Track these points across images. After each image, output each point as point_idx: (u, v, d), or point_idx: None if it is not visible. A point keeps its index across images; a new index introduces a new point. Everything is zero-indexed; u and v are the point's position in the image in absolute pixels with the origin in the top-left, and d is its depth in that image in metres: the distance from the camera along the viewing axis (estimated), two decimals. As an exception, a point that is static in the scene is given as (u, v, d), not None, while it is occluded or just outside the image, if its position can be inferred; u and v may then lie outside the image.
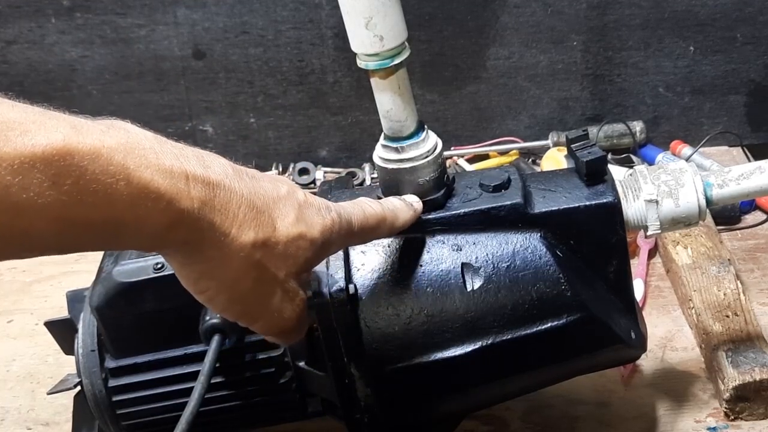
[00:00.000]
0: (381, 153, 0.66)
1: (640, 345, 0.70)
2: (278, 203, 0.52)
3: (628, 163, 1.17)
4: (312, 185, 1.24)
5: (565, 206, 0.67)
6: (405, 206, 0.63)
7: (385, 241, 0.67)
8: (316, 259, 0.55)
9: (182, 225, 0.47)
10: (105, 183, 0.43)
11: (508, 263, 0.66)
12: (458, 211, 0.67)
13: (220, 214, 0.48)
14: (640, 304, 0.93)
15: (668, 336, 0.91)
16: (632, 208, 0.69)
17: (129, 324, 0.69)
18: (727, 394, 0.78)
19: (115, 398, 0.71)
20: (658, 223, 0.69)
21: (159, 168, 0.45)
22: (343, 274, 0.63)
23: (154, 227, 0.46)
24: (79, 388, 0.72)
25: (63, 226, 0.43)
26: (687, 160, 1.19)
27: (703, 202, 0.69)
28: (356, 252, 0.66)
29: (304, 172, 1.25)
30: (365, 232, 0.59)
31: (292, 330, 0.57)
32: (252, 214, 0.50)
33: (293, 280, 0.54)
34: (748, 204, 1.11)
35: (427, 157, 0.66)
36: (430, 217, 0.67)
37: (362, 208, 0.59)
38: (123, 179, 0.43)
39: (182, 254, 0.49)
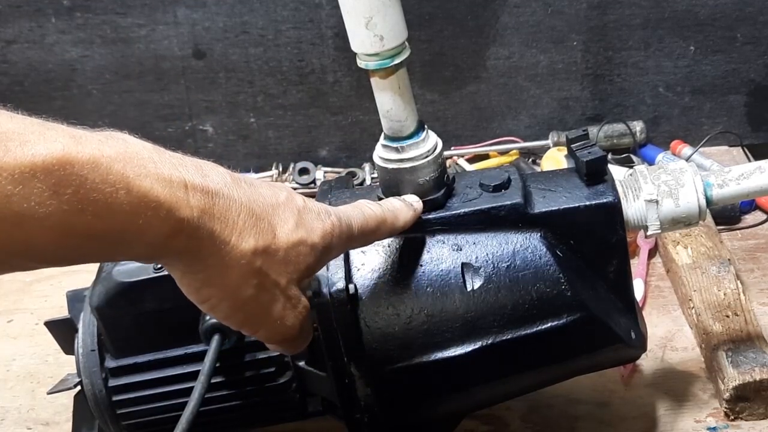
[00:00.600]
0: (381, 153, 0.66)
1: (640, 345, 0.70)
2: (277, 210, 0.52)
3: (628, 163, 1.17)
4: (312, 185, 1.23)
5: (566, 206, 0.67)
6: (405, 207, 0.64)
7: (386, 241, 0.67)
8: (318, 265, 0.55)
9: (182, 234, 0.47)
10: (105, 192, 0.43)
11: (508, 263, 0.66)
12: (458, 211, 0.67)
13: (220, 222, 0.48)
14: (640, 304, 0.93)
15: (668, 336, 0.91)
16: (632, 208, 0.69)
17: (129, 324, 0.69)
18: (727, 394, 0.78)
19: (115, 398, 0.71)
20: (658, 223, 0.69)
21: (158, 177, 0.45)
22: (343, 274, 0.64)
23: (155, 236, 0.46)
24: (79, 387, 0.72)
25: (64, 236, 0.43)
26: (687, 160, 1.19)
27: (703, 202, 0.69)
28: (356, 252, 0.66)
29: (304, 171, 1.25)
30: (365, 235, 0.59)
31: (295, 338, 0.56)
32: (251, 221, 0.50)
33: (295, 286, 0.54)
34: (748, 204, 1.11)
35: (427, 156, 0.66)
36: (430, 216, 0.67)
37: (362, 210, 0.59)
38: (123, 188, 0.44)
39: (183, 263, 0.49)
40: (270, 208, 0.52)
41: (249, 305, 0.52)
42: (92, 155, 0.43)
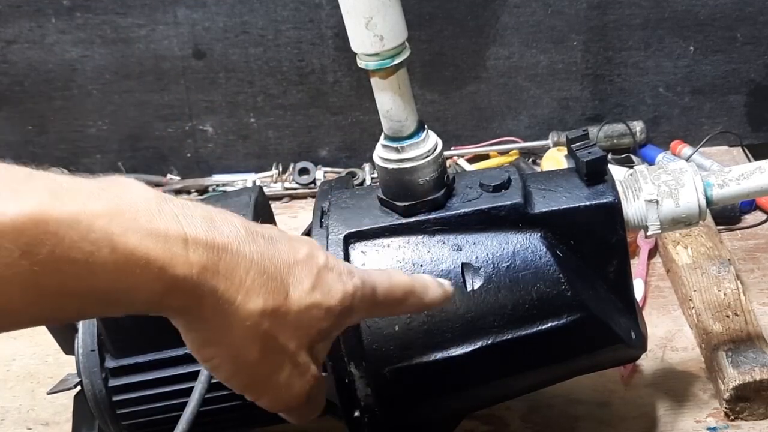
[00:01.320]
0: (381, 153, 0.66)
1: (640, 345, 0.70)
2: (294, 268, 0.49)
3: (628, 163, 1.17)
4: (312, 185, 1.24)
5: (566, 206, 0.67)
6: (435, 283, 0.58)
7: (385, 241, 0.67)
8: (335, 329, 0.52)
9: (178, 291, 0.44)
10: (85, 251, 0.40)
11: (508, 263, 0.66)
12: (458, 211, 0.67)
13: (225, 279, 0.45)
14: (640, 304, 0.93)
15: (668, 336, 0.91)
16: (632, 208, 0.69)
17: (129, 324, 0.69)
18: (727, 394, 0.78)
19: (116, 398, 0.71)
20: (658, 223, 0.69)
21: (150, 232, 0.42)
22: (343, 274, 0.63)
23: (148, 295, 0.43)
24: (79, 387, 0.72)
25: (37, 297, 0.40)
26: (687, 160, 1.19)
27: (703, 202, 0.69)
28: (356, 252, 0.66)
29: (304, 172, 1.25)
30: (390, 303, 0.55)
31: (300, 407, 0.53)
32: (262, 279, 0.47)
33: (305, 352, 0.51)
34: (748, 204, 1.11)
35: (427, 157, 0.66)
36: (430, 217, 0.67)
37: (389, 275, 0.55)
38: (106, 246, 0.41)
39: (184, 319, 0.47)
40: (286, 266, 0.48)
41: (252, 369, 0.49)
42: (71, 212, 0.40)
